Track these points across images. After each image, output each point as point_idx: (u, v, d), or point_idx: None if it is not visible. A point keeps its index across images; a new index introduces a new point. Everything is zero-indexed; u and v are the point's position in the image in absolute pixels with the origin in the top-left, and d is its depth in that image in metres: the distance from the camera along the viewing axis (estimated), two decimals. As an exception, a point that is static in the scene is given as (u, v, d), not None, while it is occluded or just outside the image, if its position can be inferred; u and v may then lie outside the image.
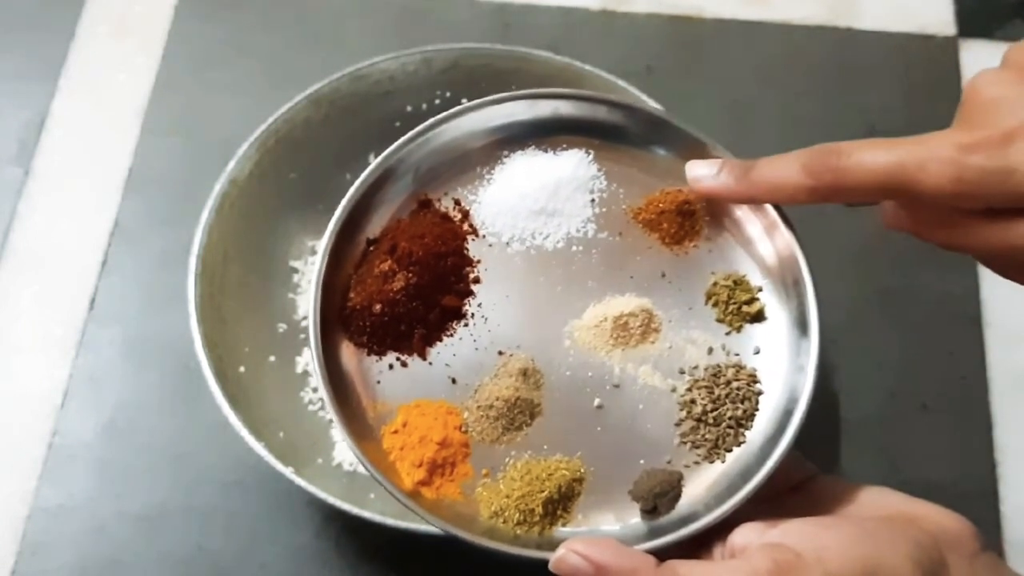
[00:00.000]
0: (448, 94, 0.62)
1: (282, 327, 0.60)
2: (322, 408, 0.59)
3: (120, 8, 0.74)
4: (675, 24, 0.74)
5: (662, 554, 0.39)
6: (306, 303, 0.61)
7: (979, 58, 0.73)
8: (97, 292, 0.65)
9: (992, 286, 0.65)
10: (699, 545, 0.41)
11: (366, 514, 0.49)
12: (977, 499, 0.59)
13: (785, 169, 0.42)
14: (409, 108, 0.62)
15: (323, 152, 0.61)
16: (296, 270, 0.62)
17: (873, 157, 0.39)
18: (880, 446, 0.60)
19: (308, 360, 0.59)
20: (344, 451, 0.57)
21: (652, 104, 0.58)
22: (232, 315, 0.57)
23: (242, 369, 0.55)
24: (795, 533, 0.38)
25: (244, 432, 0.51)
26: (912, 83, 0.72)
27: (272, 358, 0.58)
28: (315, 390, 0.59)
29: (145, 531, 0.58)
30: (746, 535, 0.39)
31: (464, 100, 0.62)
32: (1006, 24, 0.74)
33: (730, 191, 0.45)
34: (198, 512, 0.58)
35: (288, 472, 0.50)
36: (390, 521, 0.49)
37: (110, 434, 0.60)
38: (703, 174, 0.46)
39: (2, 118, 0.70)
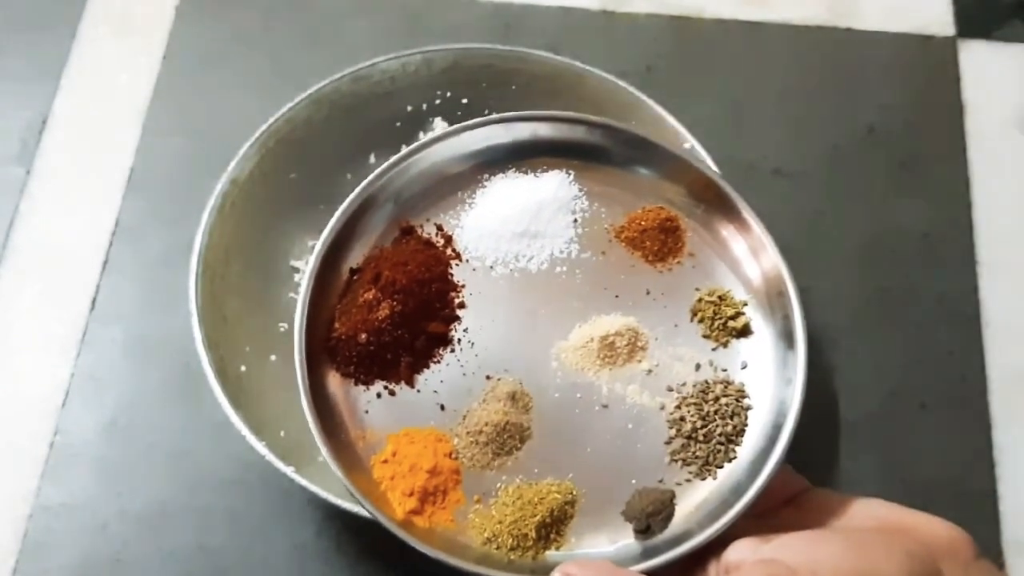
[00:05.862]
0: (448, 94, 0.62)
1: (283, 326, 0.60)
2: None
3: (122, 8, 0.75)
4: (675, 24, 0.75)
5: (657, 574, 0.39)
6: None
7: (978, 58, 0.73)
8: (99, 291, 0.65)
9: (991, 286, 0.65)
10: (694, 563, 0.41)
11: (367, 513, 0.49)
12: (976, 499, 0.59)
13: None
14: (409, 108, 0.63)
15: (324, 152, 0.61)
16: (297, 270, 0.62)
17: None
18: (880, 446, 0.61)
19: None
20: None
21: (654, 104, 0.58)
22: (233, 314, 0.57)
23: (243, 368, 0.55)
24: (789, 548, 0.38)
25: (245, 431, 0.51)
26: (911, 83, 0.72)
27: (273, 357, 0.58)
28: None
29: (146, 530, 0.58)
30: (740, 551, 0.39)
31: (464, 100, 0.62)
32: (1005, 24, 0.74)
33: None
34: (199, 511, 0.58)
35: (289, 471, 0.50)
36: (391, 520, 0.49)
37: (111, 433, 0.60)
38: None
39: (4, 118, 0.70)
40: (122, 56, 0.73)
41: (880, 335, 0.64)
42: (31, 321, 0.64)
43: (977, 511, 0.59)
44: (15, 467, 0.60)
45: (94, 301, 0.64)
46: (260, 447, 0.51)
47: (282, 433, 0.54)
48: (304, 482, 0.50)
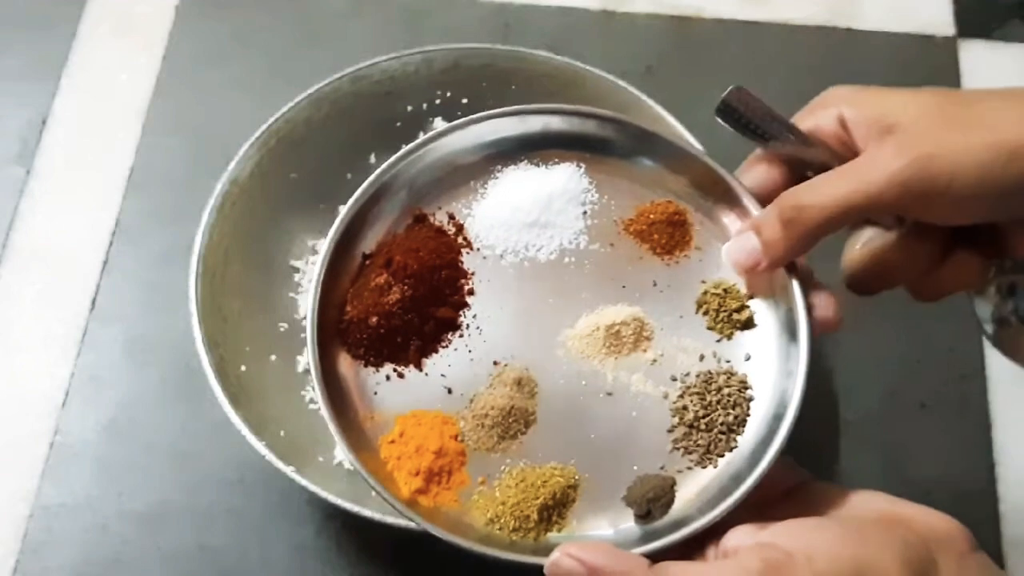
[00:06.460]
0: (449, 94, 0.62)
1: (283, 326, 0.60)
2: (323, 407, 0.59)
3: (122, 8, 0.75)
4: (675, 24, 0.75)
5: (656, 557, 0.39)
6: (307, 302, 0.61)
7: (978, 58, 0.73)
8: (99, 291, 0.65)
9: (991, 286, 0.65)
10: (693, 548, 0.41)
11: (367, 512, 0.49)
12: (976, 498, 0.59)
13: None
14: (410, 108, 0.63)
15: (324, 152, 0.61)
16: (297, 269, 0.62)
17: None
18: (880, 445, 0.61)
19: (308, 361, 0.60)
20: (345, 450, 0.57)
21: (654, 104, 0.58)
22: (233, 314, 0.57)
23: (243, 368, 0.55)
24: (785, 534, 0.38)
25: (245, 431, 0.51)
26: (911, 83, 0.72)
27: (273, 357, 0.58)
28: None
29: (146, 529, 0.58)
30: (738, 537, 0.39)
31: (465, 100, 0.62)
32: (1005, 24, 0.74)
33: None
34: (199, 510, 0.58)
35: (289, 471, 0.50)
36: (390, 519, 0.49)
37: (112, 433, 0.61)
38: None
39: (4, 117, 0.70)
40: (122, 56, 0.73)
41: (880, 335, 0.64)
42: (31, 321, 0.64)
43: (977, 511, 0.59)
44: (15, 467, 0.60)
45: (94, 301, 0.64)
46: (260, 447, 0.51)
47: (282, 433, 0.54)
48: (304, 482, 0.50)
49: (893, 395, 0.62)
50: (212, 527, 0.58)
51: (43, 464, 0.60)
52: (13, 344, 0.63)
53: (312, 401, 0.59)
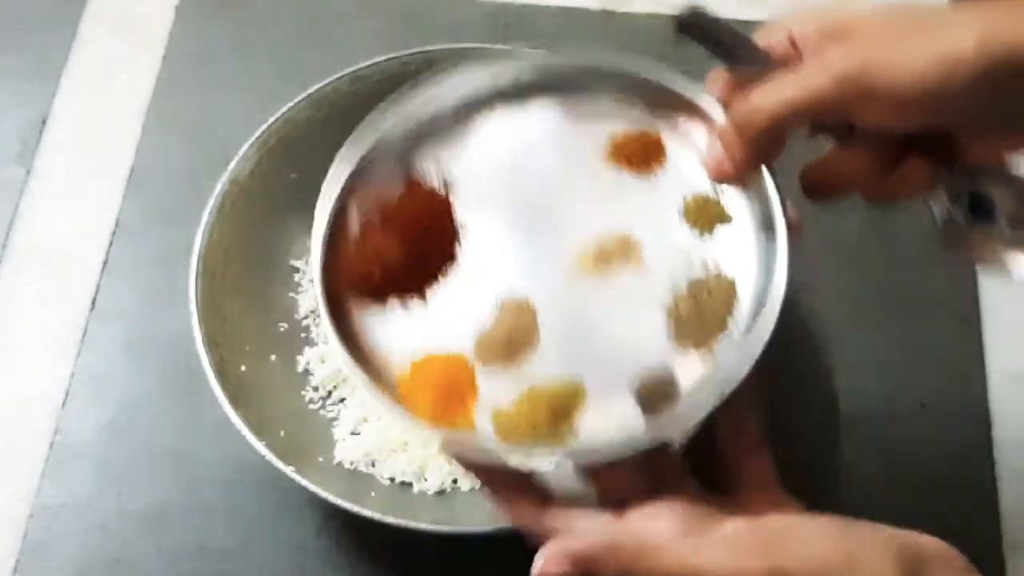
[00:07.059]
0: (449, 94, 0.62)
1: (283, 326, 0.60)
2: (323, 407, 0.59)
3: (122, 8, 0.75)
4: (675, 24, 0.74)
5: (660, 455, 0.43)
6: (307, 302, 0.61)
7: (979, 58, 0.73)
8: (99, 291, 0.65)
9: (991, 286, 0.65)
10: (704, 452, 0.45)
11: (366, 512, 0.49)
12: (976, 498, 0.59)
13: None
14: (410, 108, 0.63)
15: (324, 152, 0.61)
16: (297, 269, 0.62)
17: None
18: (879, 445, 0.61)
19: (309, 359, 0.60)
20: (345, 449, 0.57)
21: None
22: (233, 314, 0.57)
23: (243, 368, 0.56)
24: (779, 520, 0.39)
25: (245, 431, 0.51)
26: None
27: (273, 357, 0.58)
28: (316, 389, 0.59)
29: (147, 530, 0.58)
30: (736, 524, 0.40)
31: (464, 100, 0.63)
32: (1005, 24, 0.74)
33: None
34: (199, 510, 0.58)
35: (289, 471, 0.50)
36: (390, 519, 0.49)
37: (112, 433, 0.61)
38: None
39: (4, 117, 0.70)
40: (122, 56, 0.73)
41: (880, 335, 0.64)
42: (31, 321, 0.64)
43: (977, 511, 0.59)
44: (15, 467, 0.60)
45: (94, 301, 0.64)
46: (260, 447, 0.51)
47: (282, 433, 0.54)
48: (304, 482, 0.50)
49: (893, 395, 0.62)
50: (212, 527, 0.58)
51: (43, 464, 0.60)
52: (13, 344, 0.63)
53: (312, 401, 0.59)
